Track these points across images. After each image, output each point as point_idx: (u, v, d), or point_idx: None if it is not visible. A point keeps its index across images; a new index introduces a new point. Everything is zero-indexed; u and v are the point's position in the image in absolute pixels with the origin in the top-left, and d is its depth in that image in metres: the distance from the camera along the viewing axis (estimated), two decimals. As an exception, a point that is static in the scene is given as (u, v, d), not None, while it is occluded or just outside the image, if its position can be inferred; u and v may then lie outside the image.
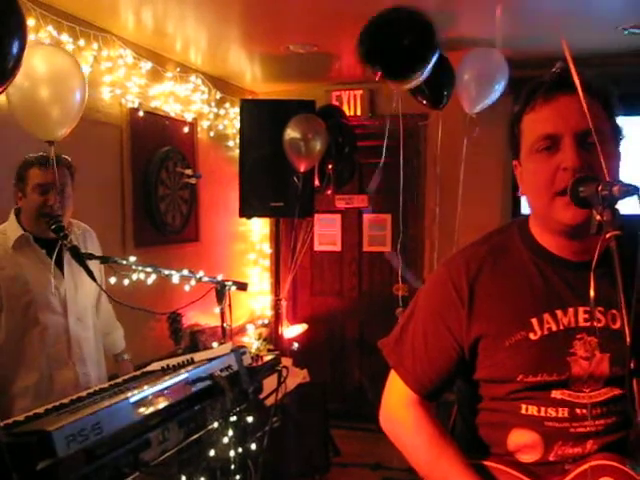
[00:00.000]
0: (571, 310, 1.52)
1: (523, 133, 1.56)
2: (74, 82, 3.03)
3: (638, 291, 1.16)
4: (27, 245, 2.96)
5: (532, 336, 1.53)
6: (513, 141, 1.60)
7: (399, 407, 1.75)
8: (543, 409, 1.53)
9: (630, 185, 1.22)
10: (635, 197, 1.19)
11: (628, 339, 1.13)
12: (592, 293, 1.30)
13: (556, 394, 1.52)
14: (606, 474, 1.47)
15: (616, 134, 1.52)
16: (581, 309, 1.51)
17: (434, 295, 1.71)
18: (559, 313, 1.52)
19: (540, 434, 1.54)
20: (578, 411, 1.51)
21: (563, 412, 1.52)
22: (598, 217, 1.24)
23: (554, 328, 1.52)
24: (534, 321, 1.53)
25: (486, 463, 1.61)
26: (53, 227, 2.87)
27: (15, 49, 2.40)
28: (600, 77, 1.52)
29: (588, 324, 1.50)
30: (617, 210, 1.22)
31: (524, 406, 1.55)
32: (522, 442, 1.57)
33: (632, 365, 1.12)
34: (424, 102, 4.72)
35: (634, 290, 1.16)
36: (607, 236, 1.21)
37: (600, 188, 1.26)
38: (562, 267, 1.54)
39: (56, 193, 2.93)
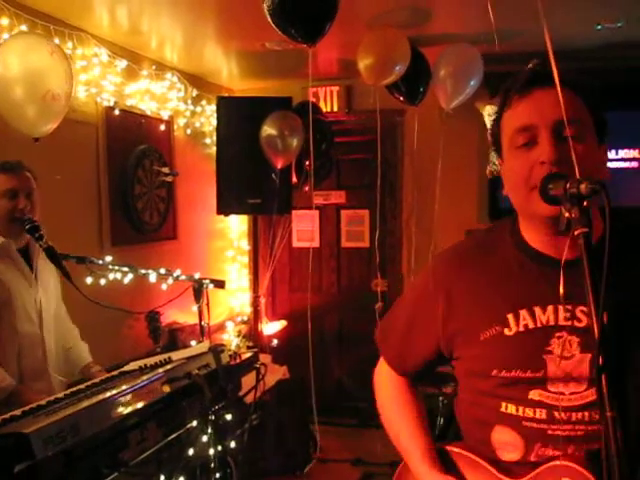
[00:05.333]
0: (550, 308, 1.50)
1: (502, 131, 1.56)
2: (49, 76, 3.03)
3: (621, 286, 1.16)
4: (7, 254, 2.91)
5: (507, 331, 1.53)
6: (495, 141, 1.61)
7: (383, 381, 1.92)
8: (521, 409, 1.52)
9: (598, 182, 1.21)
10: (603, 195, 1.19)
11: (597, 334, 1.14)
12: (562, 290, 1.31)
13: (534, 394, 1.50)
14: (566, 475, 1.45)
15: (600, 127, 1.50)
16: (561, 307, 1.48)
17: (420, 287, 1.81)
18: (537, 310, 1.51)
19: (519, 434, 1.54)
20: (556, 414, 1.49)
21: (541, 413, 1.50)
22: (567, 214, 1.25)
23: (531, 325, 1.51)
24: (510, 317, 1.53)
25: (448, 448, 1.71)
26: (28, 227, 2.84)
27: None
28: (580, 72, 1.52)
29: (569, 323, 1.47)
30: (586, 207, 1.22)
31: (504, 404, 1.54)
32: (504, 440, 1.57)
33: (600, 361, 1.13)
34: (400, 98, 4.75)
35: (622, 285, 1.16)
36: (575, 233, 1.21)
37: (568, 186, 1.26)
38: (546, 265, 1.51)
39: (24, 197, 2.91)
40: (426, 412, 1.87)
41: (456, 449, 1.69)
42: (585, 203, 1.22)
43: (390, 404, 1.88)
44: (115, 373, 2.09)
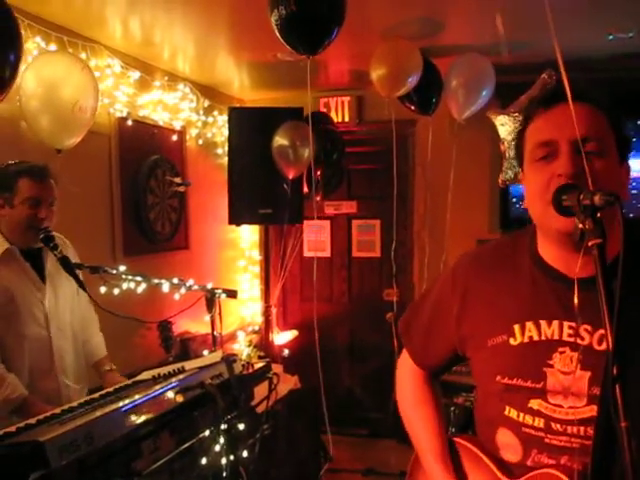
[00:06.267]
0: (556, 323, 1.52)
1: (525, 144, 1.57)
2: (73, 90, 3.09)
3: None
4: (12, 258, 2.91)
5: (512, 341, 1.57)
6: (518, 154, 1.62)
7: (404, 371, 1.98)
8: (522, 415, 1.56)
9: (612, 194, 1.21)
10: (616, 207, 1.19)
11: (611, 344, 1.14)
12: (576, 300, 1.31)
13: (534, 404, 1.53)
14: None
15: (621, 146, 1.50)
16: (566, 323, 1.50)
17: (441, 285, 1.84)
18: (543, 324, 1.53)
19: (519, 438, 1.58)
20: (553, 425, 1.51)
21: (539, 422, 1.53)
22: (580, 225, 1.25)
23: (535, 337, 1.54)
24: (516, 327, 1.56)
25: (455, 439, 1.82)
26: (42, 237, 2.86)
27: (12, 58, 2.46)
28: (592, 82, 1.53)
29: (572, 339, 1.49)
30: (599, 219, 1.22)
31: (507, 408, 1.59)
32: (506, 442, 1.62)
33: (615, 372, 1.13)
34: (412, 108, 4.76)
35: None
36: (589, 244, 1.21)
37: (582, 197, 1.26)
38: (557, 281, 1.52)
39: (47, 207, 2.92)
40: (443, 408, 1.94)
41: (462, 441, 1.78)
42: (599, 214, 1.22)
43: (410, 400, 1.95)
44: (129, 382, 2.10)
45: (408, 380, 1.96)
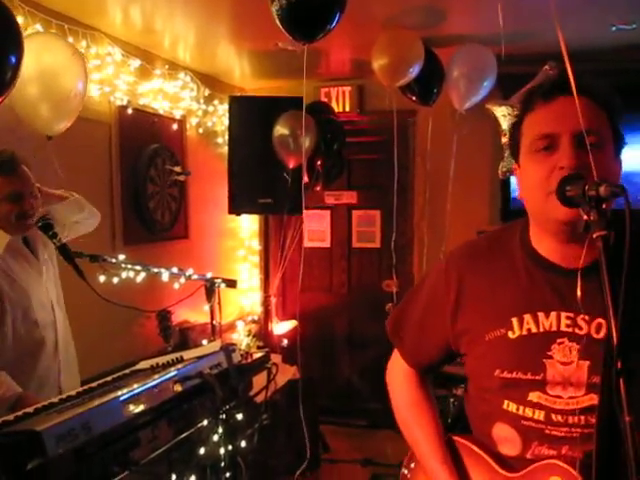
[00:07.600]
0: (553, 314, 1.53)
1: (523, 134, 1.57)
2: (68, 75, 3.05)
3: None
4: (17, 249, 2.86)
5: (510, 334, 1.57)
6: (514, 143, 1.62)
7: (396, 373, 1.94)
8: (521, 408, 1.56)
9: (617, 185, 1.21)
10: (624, 198, 1.19)
11: (615, 337, 1.13)
12: (579, 293, 1.31)
13: (533, 396, 1.54)
14: (556, 474, 1.49)
15: (617, 140, 1.51)
16: (564, 314, 1.51)
17: (433, 281, 1.81)
18: (541, 315, 1.54)
19: (518, 431, 1.58)
20: (554, 416, 1.52)
21: (539, 414, 1.54)
22: (585, 217, 1.25)
23: (534, 330, 1.54)
24: (514, 320, 1.57)
25: (454, 437, 1.79)
26: (40, 224, 2.82)
27: (13, 60, 2.43)
28: (595, 73, 1.53)
29: (570, 330, 1.50)
30: (604, 210, 1.23)
31: (506, 402, 1.59)
32: (503, 436, 1.62)
33: (619, 365, 1.13)
34: (413, 98, 4.74)
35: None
36: (594, 236, 1.21)
37: (587, 188, 1.26)
38: (552, 272, 1.54)
39: (29, 197, 2.79)
40: (437, 407, 1.91)
41: (461, 440, 1.76)
42: (604, 205, 1.22)
43: (405, 403, 1.91)
44: (127, 371, 2.09)
45: (401, 382, 1.92)
